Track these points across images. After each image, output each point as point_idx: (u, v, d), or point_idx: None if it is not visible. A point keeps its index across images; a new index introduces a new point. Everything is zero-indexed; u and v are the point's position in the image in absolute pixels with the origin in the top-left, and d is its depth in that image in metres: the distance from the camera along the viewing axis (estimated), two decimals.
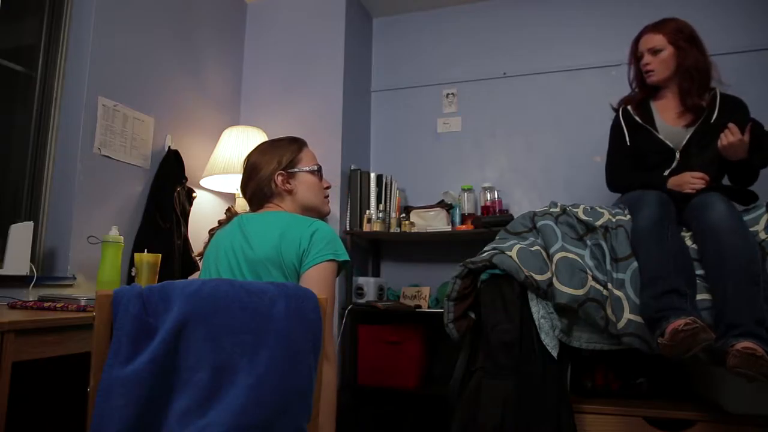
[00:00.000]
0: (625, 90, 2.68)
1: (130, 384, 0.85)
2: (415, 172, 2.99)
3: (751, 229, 1.61)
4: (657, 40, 1.95)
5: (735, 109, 1.91)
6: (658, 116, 2.01)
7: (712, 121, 1.89)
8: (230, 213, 1.45)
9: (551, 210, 1.90)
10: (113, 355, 0.87)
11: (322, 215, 1.45)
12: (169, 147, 2.34)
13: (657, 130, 1.98)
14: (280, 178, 1.39)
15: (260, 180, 1.40)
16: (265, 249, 1.25)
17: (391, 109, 3.12)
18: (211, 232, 1.44)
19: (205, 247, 1.42)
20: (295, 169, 1.42)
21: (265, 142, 1.52)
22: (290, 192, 1.41)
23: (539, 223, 1.87)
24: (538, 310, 1.64)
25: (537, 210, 1.97)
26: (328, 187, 1.50)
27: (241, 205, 2.29)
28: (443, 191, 2.81)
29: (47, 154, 1.97)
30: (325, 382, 1.15)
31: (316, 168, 1.46)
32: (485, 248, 1.81)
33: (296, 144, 1.47)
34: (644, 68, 1.99)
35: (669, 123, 1.98)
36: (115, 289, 0.91)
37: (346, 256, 1.29)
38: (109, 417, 0.84)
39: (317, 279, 1.22)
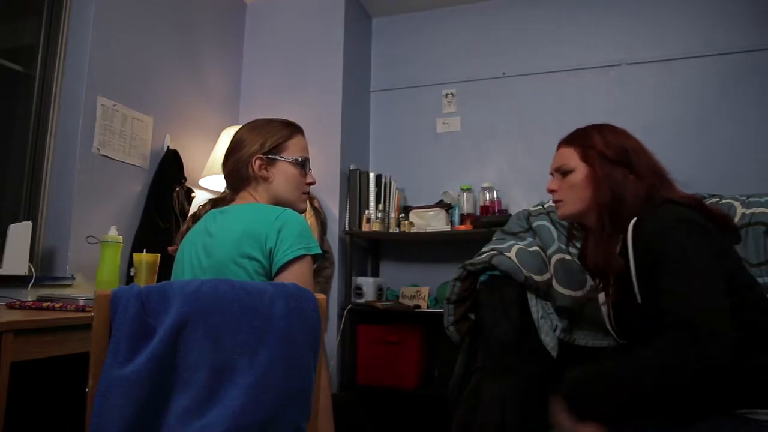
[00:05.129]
0: (624, 91, 2.70)
1: (130, 384, 0.85)
2: (415, 172, 2.98)
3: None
4: (566, 155, 1.29)
5: (644, 262, 1.11)
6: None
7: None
8: (200, 210, 1.35)
9: (546, 206, 1.90)
10: (112, 355, 0.86)
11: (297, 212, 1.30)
12: (168, 147, 2.34)
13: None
14: (257, 163, 1.28)
15: (239, 159, 1.29)
16: (226, 250, 1.17)
17: (391, 109, 3.12)
18: (182, 233, 1.35)
19: (179, 244, 1.32)
20: (276, 157, 1.30)
21: (260, 119, 1.38)
22: (266, 179, 1.30)
23: (535, 224, 1.87)
24: (537, 310, 1.64)
25: (531, 209, 1.97)
26: (310, 183, 1.37)
27: None
28: (442, 191, 2.80)
29: (46, 153, 1.96)
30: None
31: (299, 159, 1.33)
32: (483, 249, 1.81)
33: (288, 129, 1.35)
34: (551, 195, 1.34)
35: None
36: (113, 289, 0.90)
37: (318, 249, 1.19)
38: (109, 417, 0.84)
39: (293, 278, 1.13)
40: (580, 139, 1.28)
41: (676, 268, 1.03)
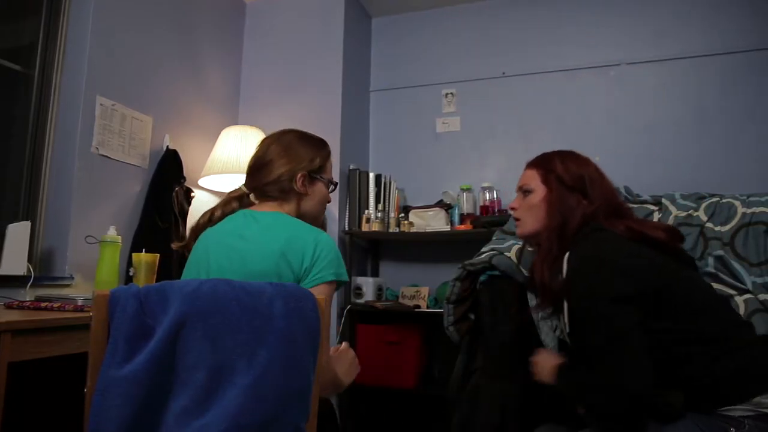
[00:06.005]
0: (624, 91, 2.70)
1: (128, 384, 0.84)
2: (414, 172, 2.98)
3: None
4: (529, 176, 1.37)
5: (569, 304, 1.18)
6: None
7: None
8: (227, 208, 1.32)
9: None
10: (110, 355, 0.86)
11: (315, 225, 1.34)
12: (168, 147, 2.33)
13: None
14: (302, 180, 1.30)
15: (282, 174, 1.29)
16: (264, 264, 1.16)
17: (390, 109, 3.11)
18: (194, 229, 1.32)
19: (191, 239, 1.31)
20: (317, 176, 1.34)
21: (294, 133, 1.39)
22: (303, 194, 1.32)
23: None
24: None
25: None
26: (329, 202, 1.43)
27: None
28: (442, 191, 2.80)
29: (45, 153, 1.96)
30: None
31: (334, 183, 1.40)
32: (483, 249, 1.81)
33: (326, 150, 1.40)
34: (511, 212, 1.42)
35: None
36: (112, 289, 0.90)
37: (346, 277, 1.22)
38: (107, 417, 0.83)
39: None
40: (543, 163, 1.37)
41: (585, 321, 1.11)
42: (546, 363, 1.25)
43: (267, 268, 1.16)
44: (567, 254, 1.18)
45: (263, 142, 1.38)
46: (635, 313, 1.07)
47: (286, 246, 1.18)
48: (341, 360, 1.31)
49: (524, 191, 1.37)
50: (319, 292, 1.13)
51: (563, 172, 1.30)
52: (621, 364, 1.04)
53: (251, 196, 1.36)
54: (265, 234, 1.21)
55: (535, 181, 1.35)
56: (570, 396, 1.16)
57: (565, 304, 1.16)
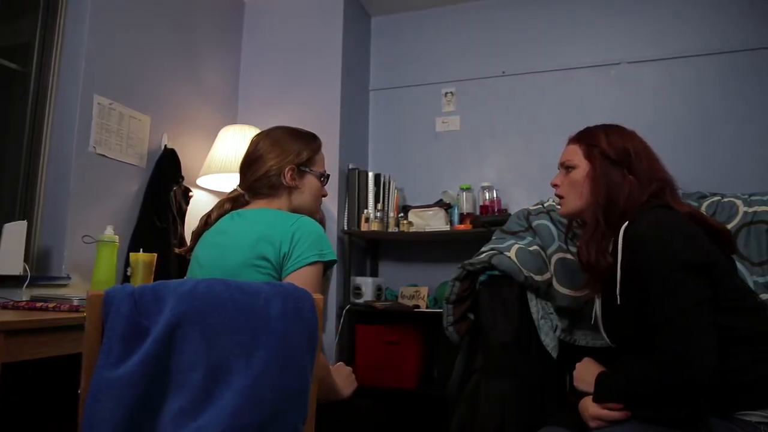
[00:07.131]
0: (624, 90, 2.69)
1: (122, 385, 0.83)
2: (414, 172, 2.97)
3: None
4: (572, 152, 1.31)
5: (631, 275, 1.12)
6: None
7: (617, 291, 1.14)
8: (218, 210, 1.36)
9: (545, 205, 1.88)
10: (104, 356, 0.85)
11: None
12: (166, 146, 2.32)
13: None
14: (289, 173, 1.33)
15: (270, 168, 1.32)
16: (242, 252, 1.19)
17: (390, 108, 3.10)
18: (195, 233, 1.36)
19: (192, 244, 1.35)
20: (306, 169, 1.36)
21: (283, 129, 1.41)
22: (294, 189, 1.35)
23: (534, 223, 1.86)
24: (537, 310, 1.63)
25: (531, 207, 1.96)
26: (324, 195, 1.44)
27: None
28: (442, 191, 2.79)
29: (42, 152, 1.95)
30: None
31: (325, 175, 1.41)
32: (483, 249, 1.80)
33: (316, 143, 1.41)
34: (554, 189, 1.36)
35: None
36: (106, 289, 0.89)
37: (332, 256, 1.22)
38: (100, 419, 0.82)
39: (299, 282, 1.12)
40: (586, 138, 1.31)
41: (658, 288, 1.03)
42: (587, 372, 1.17)
43: (245, 258, 1.18)
44: (623, 228, 1.12)
45: (253, 139, 1.40)
46: (707, 288, 1.02)
47: (263, 234, 1.20)
48: (338, 372, 1.33)
49: (566, 167, 1.31)
50: (304, 274, 1.17)
51: (607, 147, 1.25)
52: (691, 337, 0.97)
53: (246, 196, 1.38)
54: (246, 227, 1.24)
55: (577, 156, 1.29)
56: (619, 399, 1.06)
57: (618, 277, 1.12)
